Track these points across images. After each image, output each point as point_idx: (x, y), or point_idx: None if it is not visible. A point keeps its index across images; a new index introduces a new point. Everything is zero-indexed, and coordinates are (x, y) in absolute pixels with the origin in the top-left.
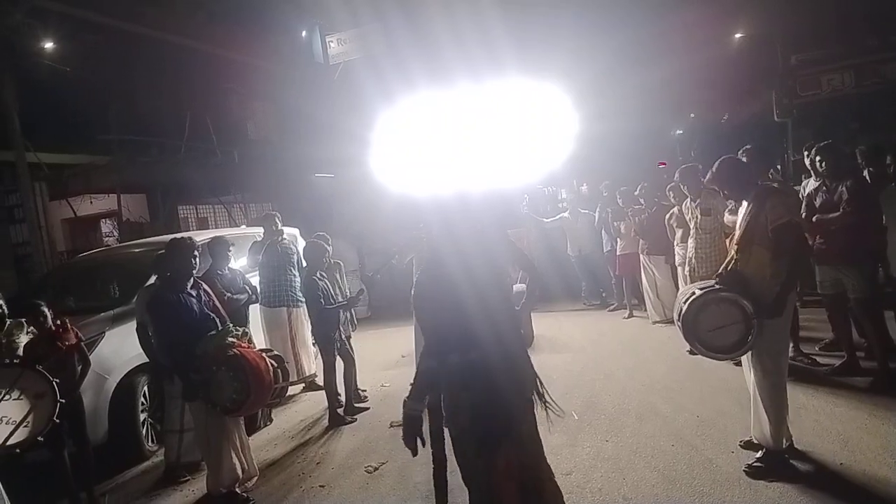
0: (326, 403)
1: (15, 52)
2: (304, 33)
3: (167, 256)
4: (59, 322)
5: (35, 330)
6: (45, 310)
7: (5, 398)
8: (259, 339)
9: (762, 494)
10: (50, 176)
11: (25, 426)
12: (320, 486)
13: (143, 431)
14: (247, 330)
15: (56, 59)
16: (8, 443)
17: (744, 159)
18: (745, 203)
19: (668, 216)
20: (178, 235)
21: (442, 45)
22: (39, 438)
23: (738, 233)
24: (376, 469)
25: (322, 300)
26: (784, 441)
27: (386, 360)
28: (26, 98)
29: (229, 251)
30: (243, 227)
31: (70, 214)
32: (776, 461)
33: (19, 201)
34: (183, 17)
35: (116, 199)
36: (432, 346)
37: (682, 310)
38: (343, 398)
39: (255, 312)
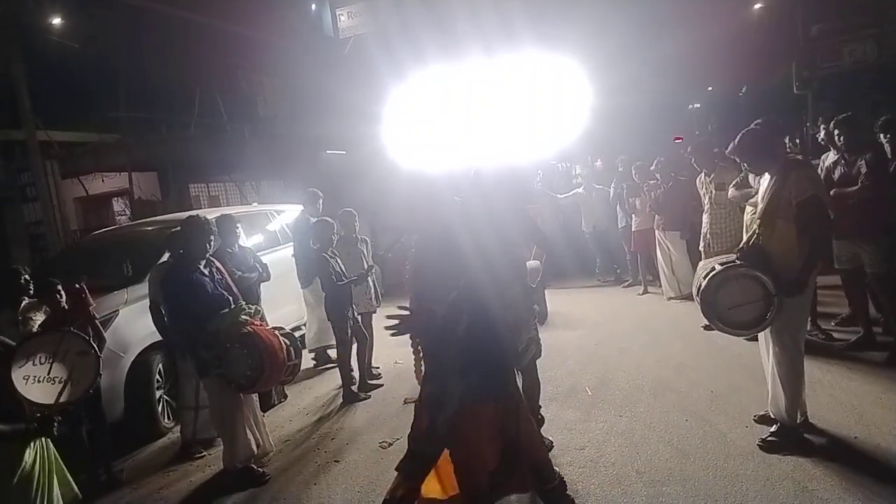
0: (340, 380)
1: (23, 28)
2: (313, 6)
3: (182, 233)
4: (80, 290)
5: (49, 309)
6: (60, 289)
7: (53, 361)
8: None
9: (776, 468)
10: (61, 154)
11: (76, 383)
12: (335, 460)
13: (159, 408)
14: (259, 308)
15: (65, 36)
16: (63, 400)
17: None
18: (767, 176)
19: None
20: (195, 213)
21: (455, 18)
22: (90, 391)
23: (760, 206)
24: (390, 444)
25: (334, 277)
26: (799, 415)
27: (399, 337)
28: (36, 75)
29: (237, 228)
30: (255, 204)
31: (82, 193)
32: (790, 435)
33: (31, 180)
34: None
35: (128, 177)
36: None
37: (701, 285)
38: (357, 375)
39: (267, 289)
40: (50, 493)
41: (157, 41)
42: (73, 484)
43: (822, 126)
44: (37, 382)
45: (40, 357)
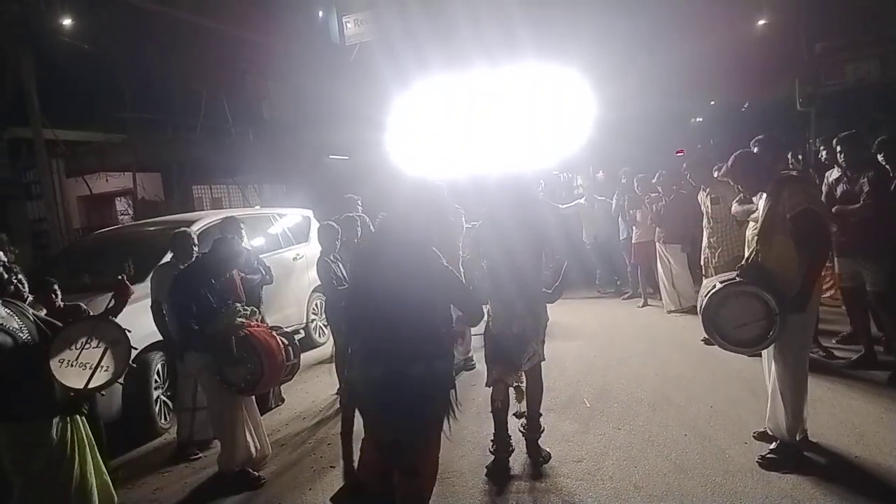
0: (338, 385)
1: (33, 29)
2: (320, 13)
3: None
4: (123, 283)
5: (45, 308)
6: (56, 287)
7: (86, 347)
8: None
9: (775, 486)
10: (67, 153)
11: (106, 370)
12: (331, 466)
13: (156, 409)
14: (255, 309)
15: (74, 37)
16: (92, 386)
17: (755, 149)
18: (763, 194)
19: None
20: (182, 229)
21: (459, 28)
22: (120, 381)
23: (758, 223)
24: None
25: (334, 282)
26: (799, 433)
27: None
28: (44, 75)
29: (241, 230)
30: (257, 207)
31: (86, 192)
32: (790, 453)
33: (36, 178)
34: None
35: (132, 177)
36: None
37: (703, 303)
38: None
39: (269, 291)
40: (89, 471)
41: (165, 44)
42: (103, 466)
43: (821, 147)
44: (69, 366)
45: (75, 342)
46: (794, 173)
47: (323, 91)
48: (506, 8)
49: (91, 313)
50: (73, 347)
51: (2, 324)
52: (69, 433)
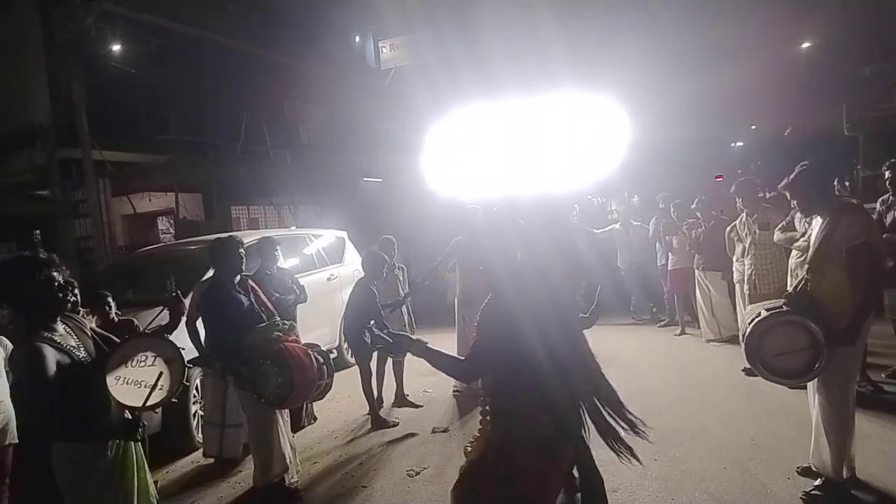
0: (368, 406)
1: (85, 54)
2: (357, 38)
3: (213, 256)
4: (178, 298)
5: (100, 320)
6: (110, 300)
7: (143, 365)
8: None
9: None
10: (113, 173)
11: (160, 389)
12: (362, 486)
13: (194, 423)
14: (293, 324)
15: (122, 62)
16: (149, 404)
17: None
18: (818, 219)
19: (728, 229)
20: (223, 235)
21: (495, 54)
22: (174, 399)
23: (810, 251)
24: (417, 473)
25: (366, 306)
26: (846, 471)
27: (429, 365)
28: (93, 98)
29: (276, 251)
30: (293, 228)
31: (129, 211)
32: (836, 491)
33: (84, 197)
34: (241, 22)
35: (174, 197)
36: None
37: (746, 331)
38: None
39: (303, 311)
40: (130, 494)
41: (208, 69)
42: (152, 487)
43: (886, 171)
44: (126, 384)
45: (132, 359)
46: (854, 202)
47: (358, 115)
48: (542, 36)
49: (141, 328)
50: (129, 364)
51: (60, 342)
52: (122, 452)
